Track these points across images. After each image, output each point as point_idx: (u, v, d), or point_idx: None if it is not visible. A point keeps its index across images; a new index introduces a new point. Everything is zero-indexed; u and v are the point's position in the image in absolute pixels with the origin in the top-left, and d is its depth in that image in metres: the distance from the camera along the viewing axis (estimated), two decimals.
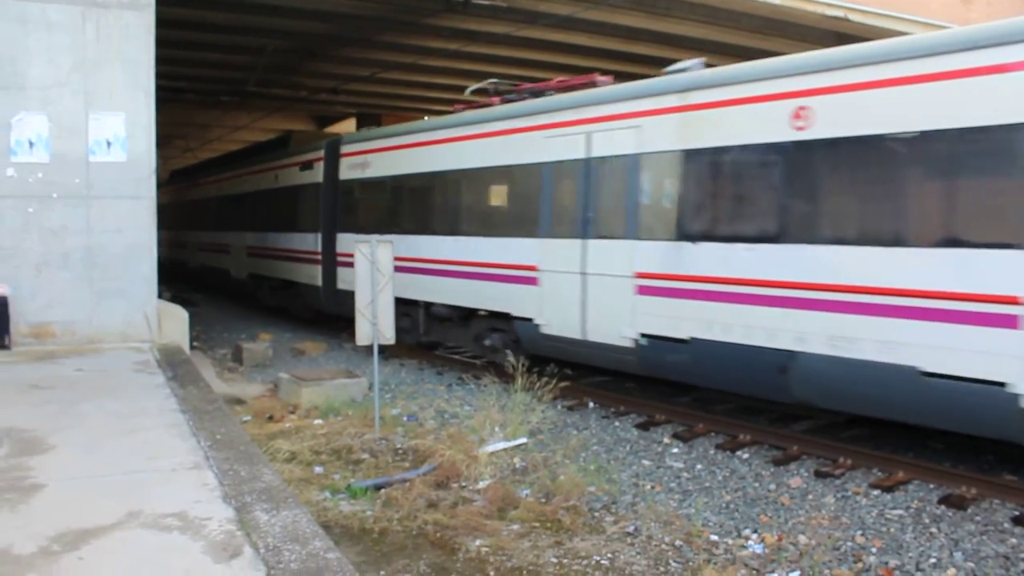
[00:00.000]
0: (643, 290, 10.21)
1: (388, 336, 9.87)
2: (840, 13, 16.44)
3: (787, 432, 9.55)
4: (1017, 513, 7.19)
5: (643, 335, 10.18)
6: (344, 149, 17.19)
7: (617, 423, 10.49)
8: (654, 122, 10.19)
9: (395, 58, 21.02)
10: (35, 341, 10.60)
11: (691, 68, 10.41)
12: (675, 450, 9.37)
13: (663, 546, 6.72)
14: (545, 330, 11.62)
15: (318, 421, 10.42)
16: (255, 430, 9.71)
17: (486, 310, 12.89)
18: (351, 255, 14.18)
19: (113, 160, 10.90)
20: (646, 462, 8.97)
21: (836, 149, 8.36)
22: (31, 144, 10.56)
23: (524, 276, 12.03)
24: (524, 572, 6.22)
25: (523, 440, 9.11)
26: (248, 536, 4.36)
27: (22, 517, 4.65)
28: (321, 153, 18.00)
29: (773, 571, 6.24)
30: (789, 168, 8.79)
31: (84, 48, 10.70)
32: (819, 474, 8.34)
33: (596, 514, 7.43)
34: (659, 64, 20.27)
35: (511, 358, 10.86)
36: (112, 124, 10.85)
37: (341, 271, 16.71)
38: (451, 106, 27.83)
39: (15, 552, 4.15)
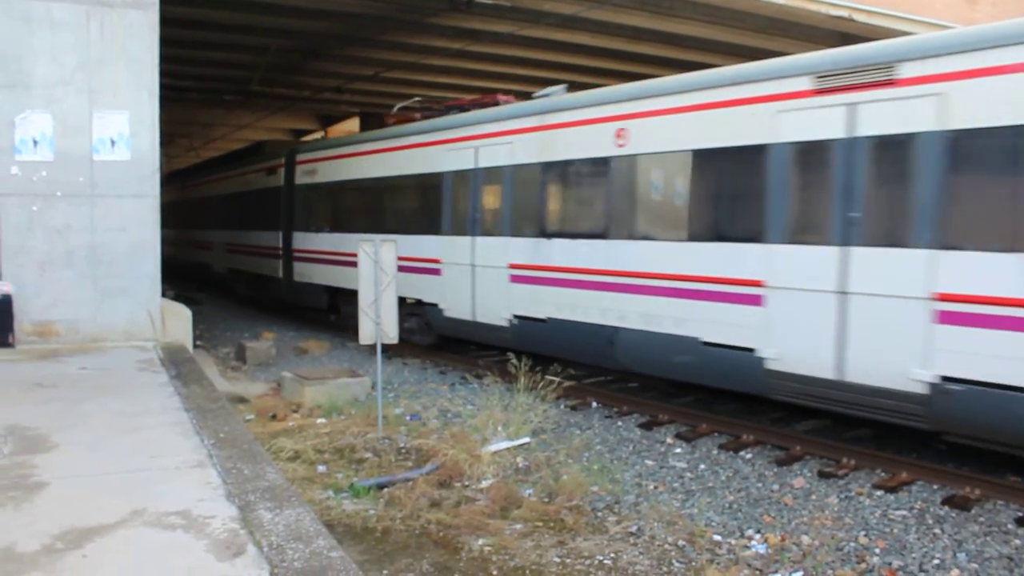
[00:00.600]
0: (515, 279, 12.42)
1: (391, 335, 9.88)
2: (845, 13, 16.42)
3: (790, 432, 9.54)
4: (1021, 514, 7.18)
5: (515, 316, 12.33)
6: (299, 158, 19.75)
7: (620, 423, 10.48)
8: (521, 139, 12.36)
9: (399, 57, 21.02)
10: (39, 339, 10.62)
11: (553, 93, 12.65)
12: (678, 450, 9.36)
13: (666, 546, 6.71)
14: (447, 313, 13.80)
15: (321, 420, 10.43)
16: (258, 429, 9.72)
17: (413, 298, 14.64)
18: (304, 250, 19.14)
19: (117, 159, 10.92)
20: (649, 462, 8.97)
21: (637, 163, 10.65)
22: (35, 142, 10.57)
23: (432, 268, 14.19)
24: (527, 571, 6.21)
25: (526, 439, 9.11)
26: (252, 535, 4.36)
27: (26, 515, 4.65)
28: (282, 161, 20.48)
29: (776, 571, 6.23)
30: (612, 178, 10.96)
31: (88, 47, 10.72)
32: (822, 474, 8.33)
33: (599, 514, 7.43)
34: (663, 64, 20.41)
35: (425, 337, 14.86)
36: (116, 122, 10.87)
37: (296, 265, 19.46)
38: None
39: (19, 550, 4.15)
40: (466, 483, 8.02)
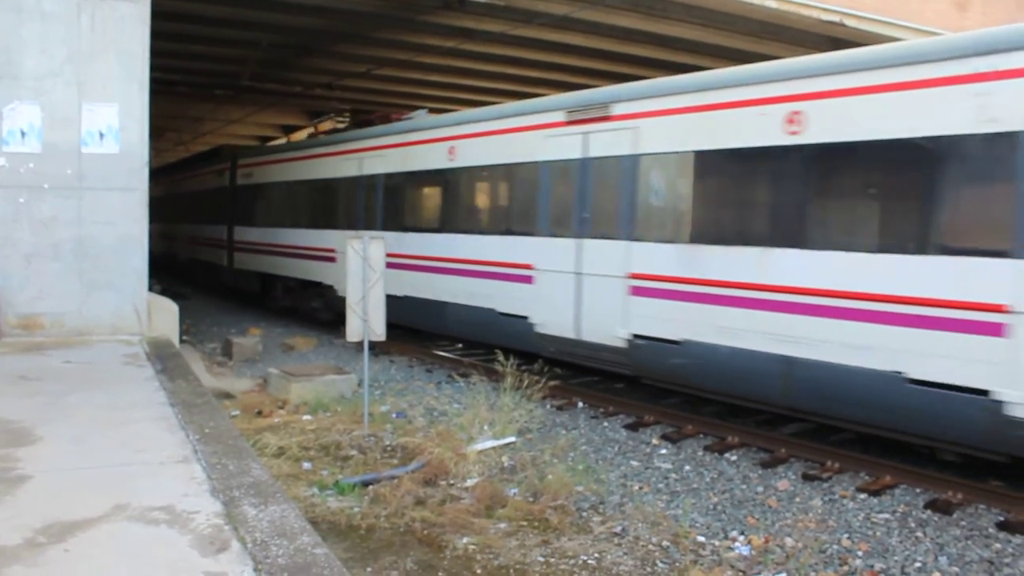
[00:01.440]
0: (393, 266, 14.38)
1: (379, 333, 9.87)
2: (836, 18, 16.45)
3: (775, 435, 9.58)
4: (1002, 518, 7.24)
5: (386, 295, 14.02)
6: (239, 161, 23.39)
7: (606, 423, 10.50)
8: (387, 152, 15.86)
9: (390, 55, 20.96)
10: (24, 332, 10.55)
11: (416, 115, 16.84)
12: (663, 451, 9.39)
13: (650, 547, 6.73)
14: (342, 293, 14.45)
15: (307, 417, 10.42)
16: (244, 425, 9.70)
17: (315, 281, 18.14)
18: (242, 242, 22.56)
19: (106, 151, 10.85)
20: (634, 463, 8.99)
21: (461, 175, 13.82)
22: (23, 134, 10.50)
23: (330, 256, 17.27)
24: (511, 571, 6.22)
25: (512, 439, 9.11)
26: (236, 530, 4.35)
27: (8, 508, 4.63)
28: (228, 164, 24.06)
29: (759, 573, 6.26)
30: (445, 185, 14.20)
31: (78, 39, 10.66)
32: (807, 477, 8.37)
33: (584, 514, 7.44)
34: (655, 65, 20.44)
35: (325, 314, 17.83)
36: (105, 115, 10.81)
37: (236, 255, 23.06)
38: (445, 104, 27.95)
39: (0, 544, 4.13)
40: (451, 481, 8.03)
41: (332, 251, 17.08)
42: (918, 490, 7.93)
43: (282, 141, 31.86)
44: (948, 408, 7.49)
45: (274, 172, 20.96)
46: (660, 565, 6.40)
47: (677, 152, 10.09)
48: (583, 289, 11.11)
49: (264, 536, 4.27)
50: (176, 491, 4.97)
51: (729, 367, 9.30)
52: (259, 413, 10.66)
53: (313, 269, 18.12)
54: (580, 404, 11.39)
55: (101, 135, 10.82)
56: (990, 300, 7.15)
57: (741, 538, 6.96)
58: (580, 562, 6.40)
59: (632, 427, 10.29)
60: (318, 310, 18.37)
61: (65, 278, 10.79)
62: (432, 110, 28.97)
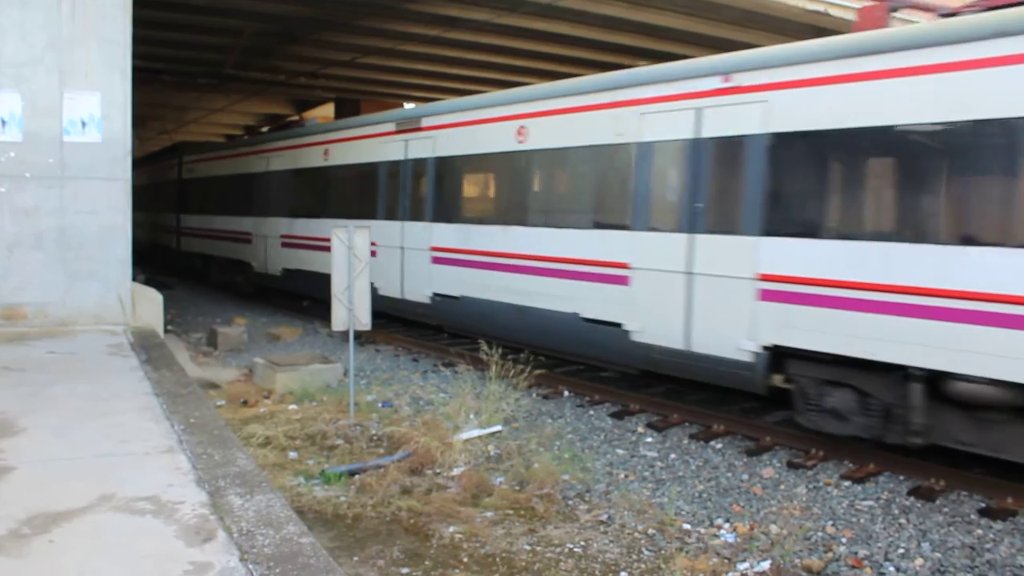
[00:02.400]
0: (283, 245, 18.94)
1: (364, 322, 9.85)
2: (820, 7, 16.50)
3: (760, 423, 9.63)
4: (984, 505, 7.30)
5: (284, 269, 18.87)
6: (184, 158, 26.79)
7: (592, 412, 10.53)
8: (278, 155, 19.51)
9: (375, 43, 20.88)
10: (6, 323, 10.47)
11: (309, 123, 20.88)
12: (649, 439, 9.42)
13: (636, 534, 6.76)
14: (257, 269, 20.61)
15: (293, 406, 10.39)
16: (229, 415, 9.67)
17: (239, 259, 21.73)
18: (187, 228, 26.08)
19: (88, 140, 10.76)
20: (620, 451, 9.02)
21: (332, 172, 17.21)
22: (4, 123, 10.40)
23: (248, 238, 21.06)
24: (497, 559, 6.24)
25: (498, 428, 9.13)
26: (222, 520, 4.34)
27: None
28: (176, 159, 27.49)
29: (744, 560, 6.30)
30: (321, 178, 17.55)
31: (59, 26, 10.55)
32: (791, 465, 8.42)
33: (570, 502, 7.46)
34: (639, 54, 20.43)
35: (246, 286, 21.79)
36: (87, 104, 10.71)
37: (183, 238, 26.58)
38: (430, 92, 27.84)
39: None
40: (437, 471, 8.03)
41: (250, 234, 20.94)
42: (901, 477, 7.99)
43: (221, 140, 35.72)
44: (602, 337, 10.52)
45: (208, 167, 24.63)
46: (646, 552, 6.43)
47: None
48: (405, 260, 13.73)
49: (250, 526, 4.26)
50: (161, 481, 4.95)
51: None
52: (244, 403, 10.63)
53: (240, 249, 21.68)
54: (566, 393, 11.41)
55: (83, 124, 10.73)
56: (620, 259, 10.19)
57: (726, 525, 7.00)
58: (566, 550, 6.42)
59: (618, 416, 10.31)
60: (241, 284, 22.19)
61: (48, 268, 10.71)
62: (417, 99, 29.17)
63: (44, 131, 10.57)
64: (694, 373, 9.64)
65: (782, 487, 7.88)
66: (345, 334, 10.18)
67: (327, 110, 32.25)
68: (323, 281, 13.83)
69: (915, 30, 8.02)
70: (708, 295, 9.16)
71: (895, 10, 9.44)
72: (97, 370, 8.29)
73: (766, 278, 8.63)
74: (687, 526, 6.99)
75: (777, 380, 8.85)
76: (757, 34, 17.94)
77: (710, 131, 9.27)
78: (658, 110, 9.88)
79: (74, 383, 7.55)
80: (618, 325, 10.24)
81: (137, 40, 11.17)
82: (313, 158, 17.70)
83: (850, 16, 16.68)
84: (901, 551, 6.46)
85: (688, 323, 9.39)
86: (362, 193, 15.78)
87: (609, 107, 10.52)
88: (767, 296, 8.63)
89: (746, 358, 8.85)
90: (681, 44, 19.58)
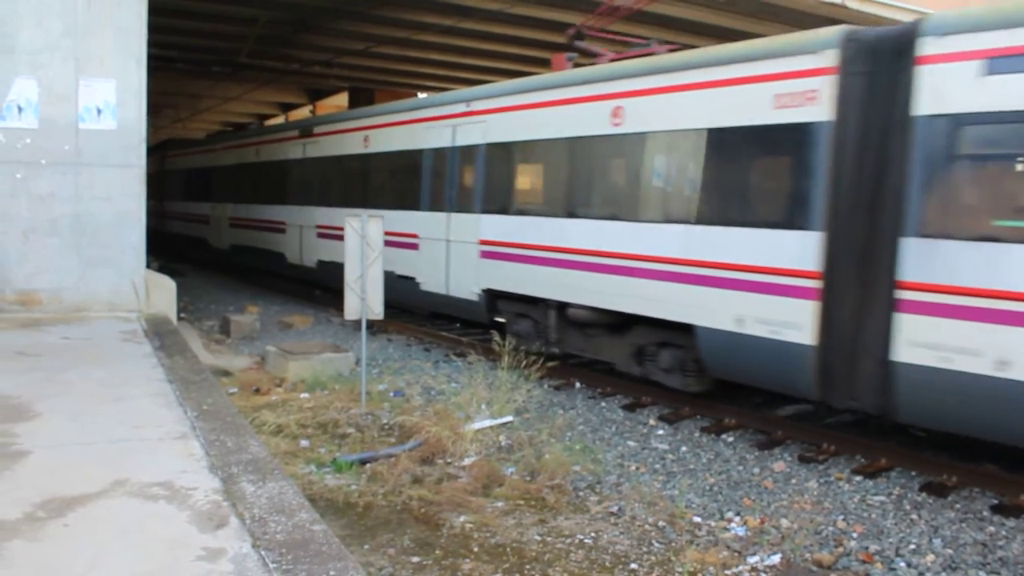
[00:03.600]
0: (232, 224, 23.74)
1: (376, 311, 9.86)
2: (837, 0, 16.40)
3: (772, 417, 9.61)
4: (996, 501, 7.27)
5: (231, 246, 23.78)
6: (167, 152, 30.95)
7: (603, 404, 10.53)
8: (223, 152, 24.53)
9: (389, 32, 20.86)
10: (21, 308, 10.53)
11: (251, 126, 30.77)
12: (660, 432, 9.42)
13: (646, 526, 6.76)
14: (213, 244, 25.36)
15: (305, 395, 10.43)
16: (241, 402, 9.71)
17: (198, 237, 26.65)
18: (167, 212, 30.54)
19: (103, 127, 10.79)
20: (631, 443, 9.01)
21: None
22: (20, 109, 10.44)
23: (206, 219, 25.96)
24: (507, 549, 6.25)
25: (509, 418, 9.13)
26: (234, 507, 4.36)
27: (7, 483, 4.64)
28: (161, 153, 30.80)
29: (755, 553, 6.29)
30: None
31: (75, 13, 10.57)
32: (803, 459, 8.40)
33: (580, 493, 7.47)
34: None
35: (207, 254, 26.46)
36: (103, 91, 10.74)
37: (166, 221, 30.28)
38: (443, 83, 27.80)
39: (0, 518, 4.14)
40: (448, 460, 8.05)
41: (207, 216, 25.73)
42: (913, 473, 7.96)
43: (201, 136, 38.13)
44: (406, 287, 14.06)
45: (181, 161, 29.48)
46: (656, 545, 6.43)
47: None
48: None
49: (262, 512, 4.28)
50: (174, 467, 4.98)
51: None
52: (257, 391, 10.67)
53: (201, 229, 26.61)
54: (578, 384, 11.40)
55: (99, 111, 10.76)
56: (413, 231, 14.03)
57: (737, 519, 6.99)
58: (576, 541, 6.43)
59: (629, 408, 10.31)
60: (203, 254, 26.85)
61: (63, 254, 10.76)
62: (431, 89, 29.14)
63: (60, 118, 10.61)
64: (452, 310, 13.99)
65: (793, 481, 7.86)
66: (357, 323, 10.20)
67: (341, 99, 32.24)
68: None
69: (546, 78, 12.26)
70: (457, 255, 13.15)
71: (572, 59, 12.88)
72: (111, 356, 8.33)
73: (483, 242, 12.52)
74: (697, 519, 6.99)
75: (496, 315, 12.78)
76: (773, 26, 17.81)
77: (459, 141, 13.26)
78: (429, 127, 14.03)
79: (88, 369, 7.59)
80: (412, 278, 14.10)
81: (152, 28, 11.18)
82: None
83: (868, 9, 16.62)
84: (912, 547, 6.44)
85: (447, 275, 13.36)
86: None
87: (412, 123, 14.73)
88: (483, 255, 12.54)
89: (475, 298, 12.79)
90: (697, 36, 19.45)
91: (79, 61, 10.65)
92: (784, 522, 6.86)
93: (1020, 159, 7.06)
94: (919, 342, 7.24)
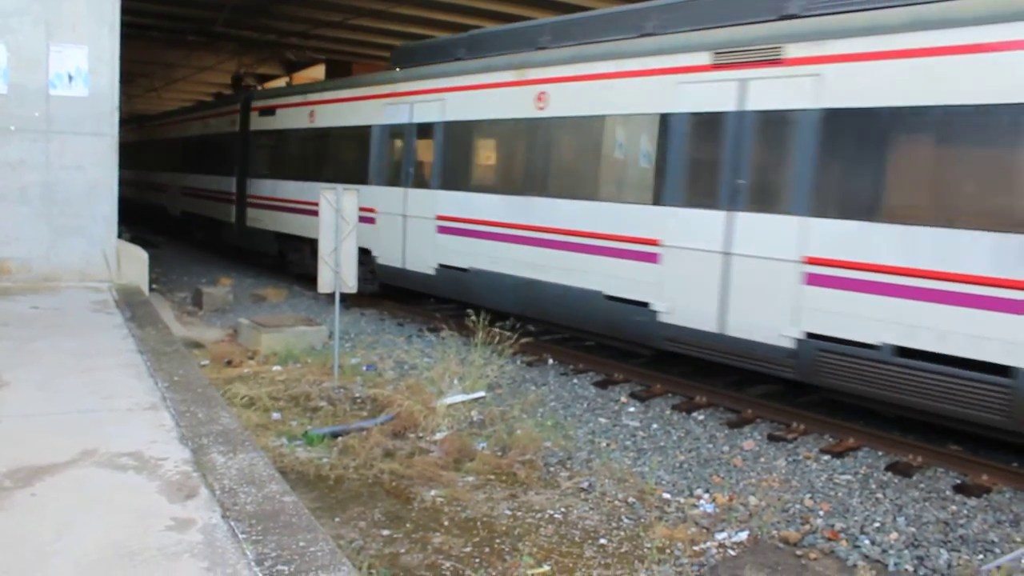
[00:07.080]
0: (184, 193, 25.55)
1: (350, 285, 9.83)
2: None
3: (742, 396, 9.69)
4: (959, 481, 7.40)
5: (182, 212, 25.90)
6: (144, 123, 33.60)
7: (575, 380, 10.57)
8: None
9: (366, 4, 20.65)
10: None
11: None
12: (632, 409, 9.48)
13: (616, 502, 6.82)
14: (170, 212, 27.55)
15: (277, 368, 10.40)
16: (213, 374, 9.67)
17: (160, 205, 28.84)
18: (145, 182, 31.27)
19: (75, 95, 10.64)
20: (603, 420, 9.07)
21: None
22: None
23: (168, 189, 27.75)
24: (478, 523, 6.29)
25: (481, 394, 9.15)
26: (204, 477, 4.36)
27: None
28: (140, 123, 33.87)
29: (722, 530, 6.37)
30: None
31: None
32: (772, 438, 8.49)
33: (551, 469, 7.52)
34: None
35: (167, 216, 28.06)
36: (74, 57, 10.57)
37: (144, 191, 31.42)
38: None
39: None
40: (420, 434, 8.07)
41: (165, 186, 28.10)
42: (880, 453, 8.08)
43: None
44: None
45: (157, 132, 31.17)
46: (625, 521, 6.49)
47: None
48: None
49: (232, 483, 4.28)
50: (144, 438, 4.96)
51: None
52: (229, 363, 10.63)
53: (158, 197, 29.22)
54: (550, 361, 11.45)
55: (70, 78, 10.60)
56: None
57: (706, 496, 7.07)
58: (546, 516, 6.48)
59: (601, 384, 10.36)
60: (163, 218, 28.57)
61: (33, 223, 10.63)
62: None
63: (29, 83, 10.44)
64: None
65: (762, 459, 7.95)
66: (331, 297, 10.17)
67: (318, 71, 31.92)
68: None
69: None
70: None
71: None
72: (81, 326, 8.26)
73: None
74: (667, 495, 7.05)
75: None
76: None
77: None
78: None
79: (58, 339, 7.52)
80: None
81: None
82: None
83: None
84: (877, 525, 6.54)
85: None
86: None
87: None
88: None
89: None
90: None
91: (50, 26, 10.47)
92: (752, 499, 6.94)
93: None
94: None
